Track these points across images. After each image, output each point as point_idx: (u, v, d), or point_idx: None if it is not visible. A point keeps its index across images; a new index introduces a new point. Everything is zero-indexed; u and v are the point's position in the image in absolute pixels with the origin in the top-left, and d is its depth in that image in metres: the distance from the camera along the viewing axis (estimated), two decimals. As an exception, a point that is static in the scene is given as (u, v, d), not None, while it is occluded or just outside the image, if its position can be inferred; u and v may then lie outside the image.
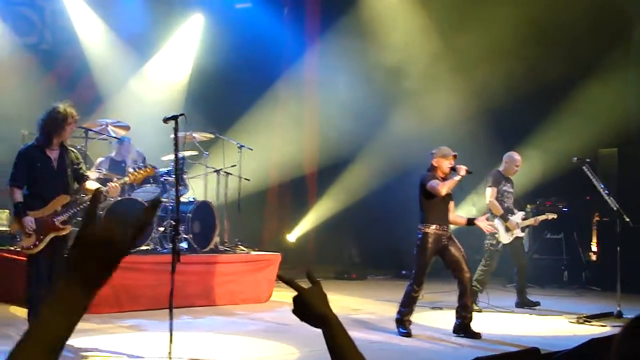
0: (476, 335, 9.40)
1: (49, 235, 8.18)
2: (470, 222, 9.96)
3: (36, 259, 8.17)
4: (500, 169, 12.33)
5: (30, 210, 8.17)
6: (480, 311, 11.52)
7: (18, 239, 8.35)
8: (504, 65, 15.09)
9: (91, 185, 8.58)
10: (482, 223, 9.96)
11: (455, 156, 9.62)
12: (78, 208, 8.43)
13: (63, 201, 8.31)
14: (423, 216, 9.62)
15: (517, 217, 12.21)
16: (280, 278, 2.58)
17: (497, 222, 11.96)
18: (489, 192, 12.08)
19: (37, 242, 8.12)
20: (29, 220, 8.11)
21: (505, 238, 12.02)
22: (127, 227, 1.79)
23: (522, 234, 12.43)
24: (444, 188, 9.38)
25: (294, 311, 2.43)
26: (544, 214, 12.92)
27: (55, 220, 8.22)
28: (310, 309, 2.41)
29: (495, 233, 11.83)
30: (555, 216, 12.91)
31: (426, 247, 9.50)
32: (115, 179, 8.78)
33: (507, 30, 15.22)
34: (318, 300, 2.44)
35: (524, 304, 12.28)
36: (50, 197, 8.27)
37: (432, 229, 9.51)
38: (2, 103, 14.00)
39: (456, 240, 9.70)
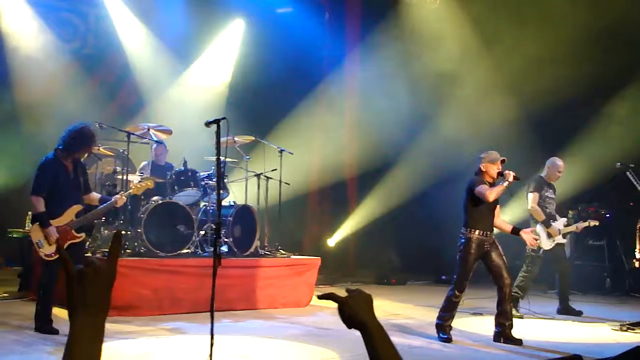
0: (517, 342, 9.31)
1: (67, 244, 8.84)
2: (515, 231, 9.81)
3: (56, 265, 8.69)
4: (542, 174, 12.22)
5: (50, 219, 8.77)
6: (521, 317, 11.44)
7: (40, 247, 8.75)
8: (548, 71, 15.00)
9: (95, 196, 9.52)
10: (527, 236, 9.79)
11: (503, 161, 9.52)
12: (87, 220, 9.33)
13: (76, 210, 9.01)
14: (467, 221, 9.53)
15: (559, 223, 12.10)
16: (320, 297, 2.61)
17: (539, 228, 11.87)
18: (531, 198, 11.97)
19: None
20: (54, 231, 8.75)
21: (546, 244, 11.91)
22: (108, 261, 2.10)
23: (563, 241, 12.29)
24: (492, 194, 9.27)
25: (341, 319, 2.48)
26: (586, 220, 12.78)
27: (71, 229, 8.92)
28: (351, 316, 2.44)
29: (537, 239, 11.73)
30: (597, 223, 12.75)
31: (469, 253, 9.43)
32: (122, 193, 9.70)
33: (552, 37, 15.15)
34: (358, 306, 2.46)
35: (567, 311, 12.16)
36: (67, 206, 8.95)
37: (476, 234, 9.42)
38: (46, 107, 14.16)
39: (499, 246, 9.62)
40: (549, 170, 12.19)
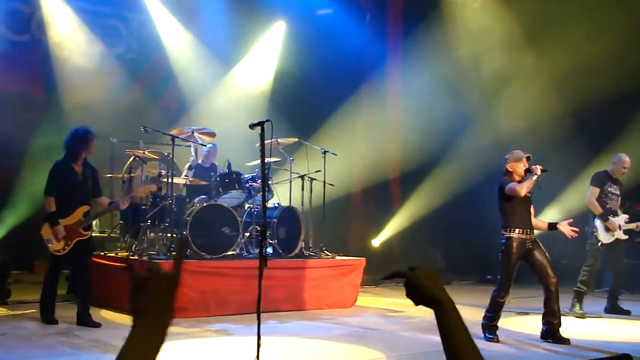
0: (565, 341, 9.26)
1: (74, 240, 9.71)
2: (552, 226, 9.82)
3: (65, 258, 9.75)
4: (608, 169, 12.06)
5: (59, 218, 9.63)
6: (582, 317, 11.43)
7: (49, 244, 9.64)
8: (594, 69, 14.87)
9: (105, 200, 10.33)
10: (564, 228, 9.73)
11: (528, 157, 9.53)
12: (95, 218, 10.57)
13: (84, 211, 9.84)
14: (505, 221, 9.54)
15: (620, 219, 11.85)
16: (386, 278, 2.55)
17: (597, 222, 11.74)
18: (590, 192, 11.84)
19: (66, 247, 9.66)
20: (61, 229, 9.60)
21: (605, 237, 11.70)
22: (173, 271, 2.08)
23: (624, 237, 11.93)
24: (523, 189, 9.29)
25: (407, 295, 2.41)
26: None
27: (79, 227, 9.73)
28: (422, 291, 2.40)
29: (595, 232, 11.66)
30: None
31: (511, 252, 9.41)
32: (124, 199, 10.39)
33: (598, 34, 15.05)
34: (429, 281, 2.43)
35: (614, 310, 12.03)
36: (76, 206, 9.79)
37: (516, 233, 9.41)
38: (91, 112, 14.31)
39: (541, 244, 9.59)
40: (615, 165, 11.98)
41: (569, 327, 10.08)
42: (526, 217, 9.57)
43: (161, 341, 2.08)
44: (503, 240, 9.49)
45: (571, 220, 10.04)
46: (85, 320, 9.68)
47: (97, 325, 9.62)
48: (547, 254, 9.49)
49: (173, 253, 11.31)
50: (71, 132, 9.97)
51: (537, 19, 15.88)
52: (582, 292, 11.67)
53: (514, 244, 9.40)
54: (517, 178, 9.51)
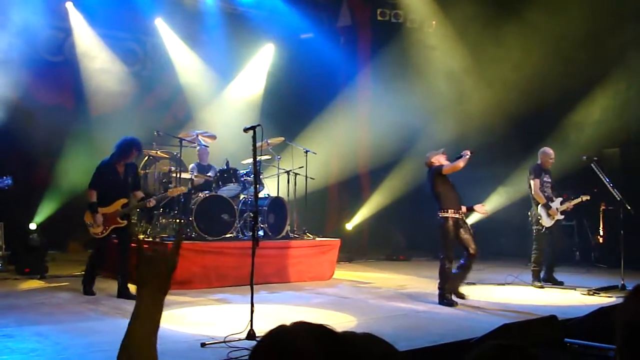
0: (462, 296, 9.72)
1: (111, 227, 9.69)
2: (470, 209, 10.04)
3: (103, 241, 9.76)
4: (539, 162, 12.05)
5: (100, 207, 9.63)
6: (542, 287, 11.50)
7: (90, 227, 9.68)
8: (526, 82, 14.93)
9: (139, 194, 10.07)
10: (479, 208, 10.05)
11: (443, 152, 9.85)
12: (132, 210, 10.21)
13: (122, 202, 9.77)
14: (440, 204, 9.60)
15: (557, 202, 11.88)
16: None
17: (541, 210, 11.72)
18: (533, 184, 11.82)
19: (104, 231, 9.65)
20: (100, 216, 9.61)
21: (547, 222, 11.68)
22: (171, 252, 2.12)
23: (561, 217, 11.93)
24: (460, 163, 9.41)
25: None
26: (577, 197, 12.35)
27: (116, 216, 9.68)
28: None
29: (540, 219, 11.65)
30: (589, 197, 12.24)
31: (449, 230, 9.50)
32: (152, 199, 10.11)
33: (527, 53, 15.13)
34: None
35: (550, 280, 11.89)
36: (115, 199, 9.72)
37: (450, 213, 9.50)
38: (113, 119, 14.25)
39: (467, 222, 9.81)
40: (542, 158, 11.94)
41: (508, 293, 10.11)
42: (456, 199, 9.67)
43: (161, 309, 2.08)
44: (441, 221, 9.56)
45: (483, 204, 10.21)
46: (124, 294, 9.53)
47: (133, 297, 9.44)
48: (471, 231, 9.71)
49: (181, 237, 11.27)
50: (121, 138, 9.86)
51: (481, 40, 15.86)
52: (538, 270, 11.70)
53: (450, 222, 9.51)
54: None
